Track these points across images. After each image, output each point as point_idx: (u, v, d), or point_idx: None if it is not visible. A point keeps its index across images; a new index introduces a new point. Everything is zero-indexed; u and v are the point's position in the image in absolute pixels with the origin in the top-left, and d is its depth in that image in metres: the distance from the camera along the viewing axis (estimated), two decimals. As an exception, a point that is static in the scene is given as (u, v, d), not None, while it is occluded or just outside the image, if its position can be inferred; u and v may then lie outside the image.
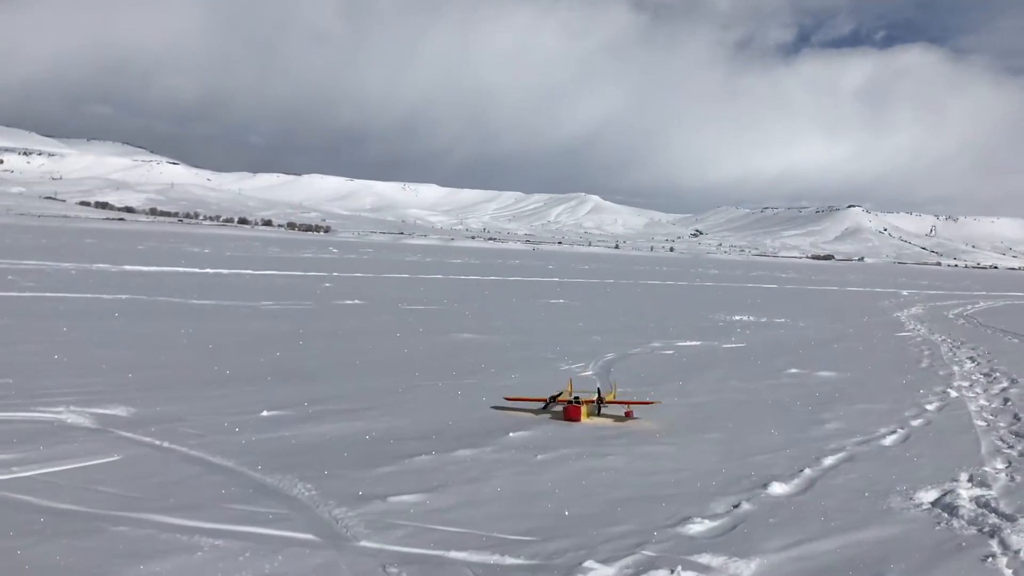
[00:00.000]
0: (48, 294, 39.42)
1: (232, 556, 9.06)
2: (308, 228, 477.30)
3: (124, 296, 40.62)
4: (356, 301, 46.43)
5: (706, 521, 11.06)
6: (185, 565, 8.77)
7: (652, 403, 18.10)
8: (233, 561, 8.93)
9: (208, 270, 68.50)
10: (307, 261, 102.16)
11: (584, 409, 17.22)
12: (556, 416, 17.42)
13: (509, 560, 9.44)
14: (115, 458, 12.73)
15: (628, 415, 17.42)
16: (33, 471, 11.79)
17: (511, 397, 18.71)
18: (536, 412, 17.81)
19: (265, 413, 16.32)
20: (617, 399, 18.33)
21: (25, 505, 10.40)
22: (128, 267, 64.89)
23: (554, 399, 17.69)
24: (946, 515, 11.78)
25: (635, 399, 18.43)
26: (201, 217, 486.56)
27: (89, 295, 40.18)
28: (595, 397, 17.78)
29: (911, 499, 12.57)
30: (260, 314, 36.63)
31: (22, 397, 16.50)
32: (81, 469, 12.05)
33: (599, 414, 17.54)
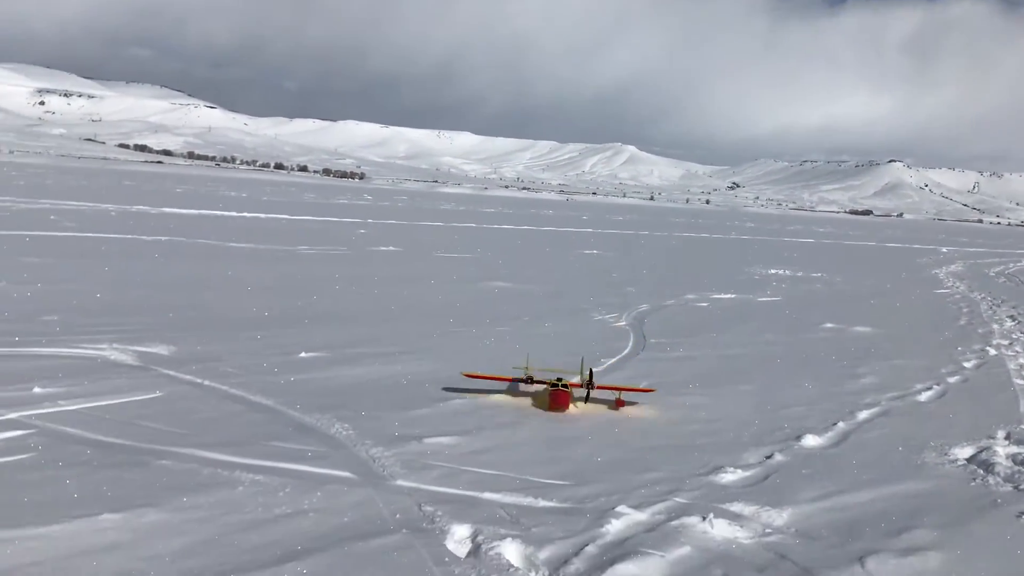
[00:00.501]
0: (89, 234, 40.03)
1: (272, 491, 9.27)
2: (343, 175, 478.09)
3: (163, 238, 41.14)
4: (391, 248, 46.64)
5: (739, 471, 11.12)
6: (227, 498, 8.99)
7: (648, 391, 14.96)
8: (273, 496, 9.14)
9: (246, 214, 69.03)
10: (342, 207, 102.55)
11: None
12: (539, 402, 14.35)
13: (542, 503, 9.57)
14: (157, 394, 13.03)
15: (619, 404, 14.34)
16: (79, 405, 12.11)
17: (471, 374, 15.02)
18: (512, 394, 14.79)
19: (303, 355, 16.56)
20: (607, 384, 14.98)
21: (72, 437, 10.70)
22: (167, 209, 65.57)
23: (531, 380, 14.47)
24: (981, 471, 11.73)
25: (628, 385, 15.31)
26: (238, 161, 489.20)
27: (129, 236, 40.74)
28: (580, 381, 14.67)
29: (946, 455, 12.52)
30: (297, 258, 36.95)
31: (67, 334, 16.87)
32: (125, 404, 12.35)
33: (587, 400, 14.50)
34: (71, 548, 7.61)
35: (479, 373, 15.10)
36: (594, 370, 15.41)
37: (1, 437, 10.44)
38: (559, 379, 14.21)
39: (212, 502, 8.88)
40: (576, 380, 14.80)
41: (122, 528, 8.11)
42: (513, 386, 15.06)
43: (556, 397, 13.87)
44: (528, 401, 14.25)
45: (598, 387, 14.46)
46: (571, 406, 14.13)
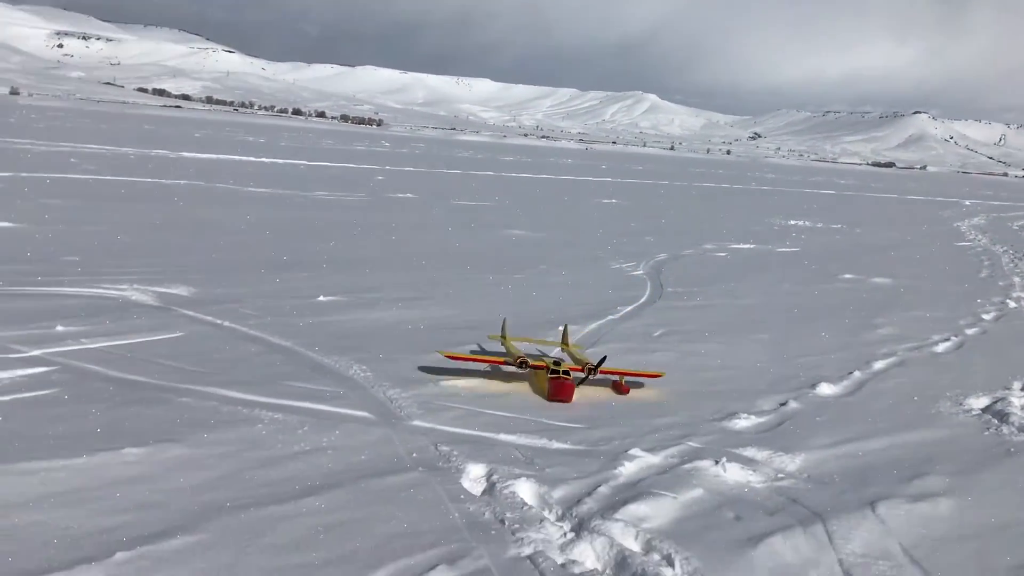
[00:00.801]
0: (109, 177, 40.18)
1: (291, 429, 9.42)
2: (361, 121, 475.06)
3: (183, 182, 41.27)
4: (408, 195, 46.60)
5: (752, 417, 11.18)
6: (247, 435, 9.15)
7: (655, 375, 12.80)
8: (292, 434, 9.29)
9: (264, 159, 69.03)
10: (360, 154, 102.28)
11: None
12: (537, 388, 12.06)
13: (556, 444, 9.68)
14: (178, 334, 13.19)
15: (623, 390, 12.34)
16: (101, 343, 12.28)
17: (453, 355, 12.38)
18: (504, 379, 12.47)
19: (322, 298, 16.70)
20: (610, 369, 12.49)
21: (95, 374, 10.87)
22: (186, 154, 65.60)
23: (525, 364, 12.23)
24: (996, 421, 11.75)
25: (635, 369, 13.01)
26: (256, 107, 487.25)
27: (149, 180, 40.86)
28: (581, 365, 12.35)
29: (961, 404, 12.53)
30: (315, 204, 37.03)
31: (88, 274, 17.06)
32: (146, 343, 12.51)
33: (584, 381, 12.13)
34: (95, 480, 7.77)
35: (461, 354, 12.67)
36: (571, 326, 14.55)
37: (25, 373, 10.63)
38: (557, 363, 11.98)
39: (232, 438, 9.04)
40: (558, 350, 13.70)
41: (145, 462, 8.28)
42: (499, 368, 12.97)
43: (559, 389, 11.60)
44: (525, 387, 12.24)
45: (601, 371, 12.21)
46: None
